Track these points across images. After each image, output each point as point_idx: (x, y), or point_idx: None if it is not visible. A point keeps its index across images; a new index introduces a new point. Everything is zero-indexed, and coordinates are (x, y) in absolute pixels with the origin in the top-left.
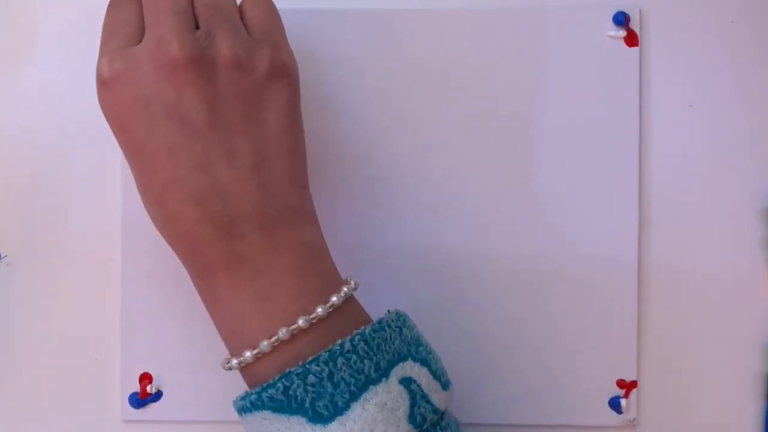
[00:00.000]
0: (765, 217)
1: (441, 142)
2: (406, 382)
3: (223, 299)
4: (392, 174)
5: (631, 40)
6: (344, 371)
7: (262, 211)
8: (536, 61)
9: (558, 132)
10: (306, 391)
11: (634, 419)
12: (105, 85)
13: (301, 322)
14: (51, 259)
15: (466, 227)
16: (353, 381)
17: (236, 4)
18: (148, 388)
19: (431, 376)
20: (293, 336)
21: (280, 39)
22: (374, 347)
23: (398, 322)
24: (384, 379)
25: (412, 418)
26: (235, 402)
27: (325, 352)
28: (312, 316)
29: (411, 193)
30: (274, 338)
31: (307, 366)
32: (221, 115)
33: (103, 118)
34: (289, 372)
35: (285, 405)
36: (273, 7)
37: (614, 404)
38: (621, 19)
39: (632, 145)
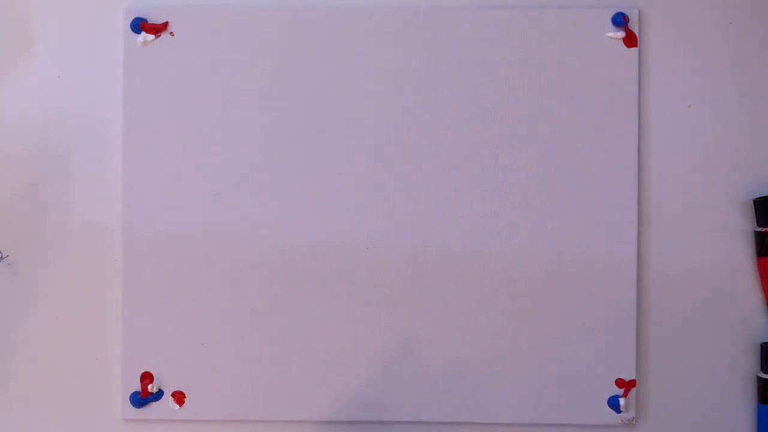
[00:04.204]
0: (750, 208)
1: (441, 142)
2: None
3: None
4: (393, 174)
5: (630, 40)
6: None
7: None
8: (536, 61)
9: (557, 131)
10: None
11: (633, 418)
12: None
13: None
14: (52, 259)
15: (466, 227)
16: None
17: None
18: (149, 387)
19: None
20: None
21: None
22: None
23: None
24: None
25: None
26: None
27: None
28: None
29: (411, 193)
30: None
31: None
32: None
33: (103, 118)
34: None
35: None
36: None
37: (613, 403)
38: (620, 20)
39: (631, 145)
